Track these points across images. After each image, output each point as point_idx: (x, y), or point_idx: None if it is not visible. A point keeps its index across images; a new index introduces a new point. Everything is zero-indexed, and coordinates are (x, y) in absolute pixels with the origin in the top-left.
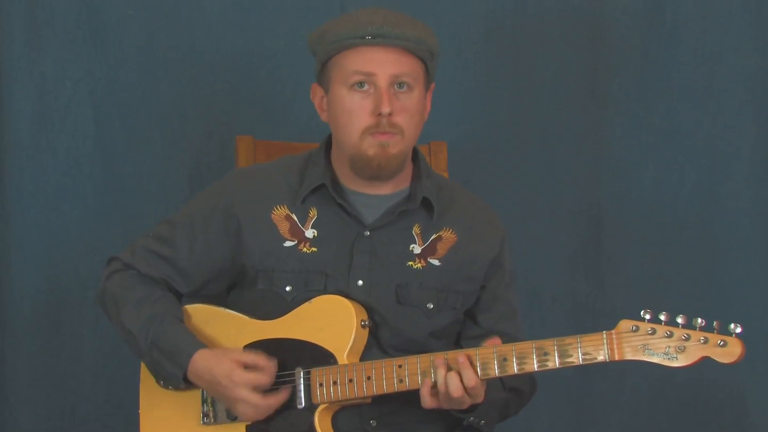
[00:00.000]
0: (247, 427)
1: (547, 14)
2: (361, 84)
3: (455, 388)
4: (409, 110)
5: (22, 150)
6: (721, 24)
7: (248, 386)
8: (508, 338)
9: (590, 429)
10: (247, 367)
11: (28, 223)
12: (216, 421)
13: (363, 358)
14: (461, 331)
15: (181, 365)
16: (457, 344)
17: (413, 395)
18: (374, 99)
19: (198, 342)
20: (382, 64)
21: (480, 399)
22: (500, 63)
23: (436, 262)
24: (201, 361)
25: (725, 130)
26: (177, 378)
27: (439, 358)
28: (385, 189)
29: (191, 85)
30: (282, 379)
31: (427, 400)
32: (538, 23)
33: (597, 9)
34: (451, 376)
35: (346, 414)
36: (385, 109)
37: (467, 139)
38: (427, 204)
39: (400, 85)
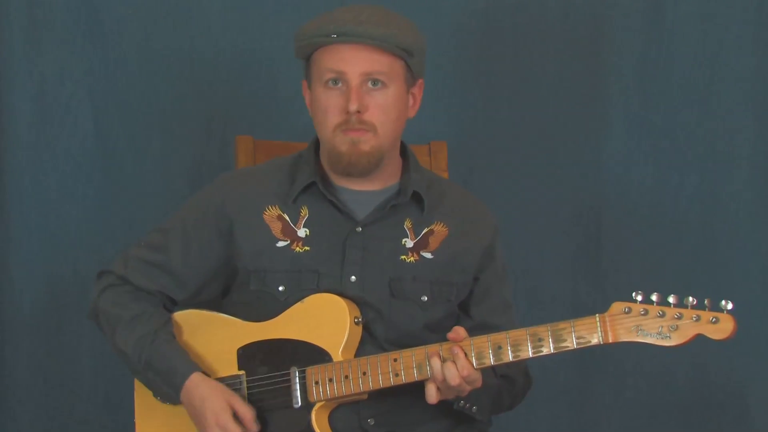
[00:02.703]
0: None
1: (547, 14)
2: (335, 81)
3: (452, 376)
4: (383, 107)
5: (22, 150)
6: (721, 24)
7: None
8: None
9: (590, 429)
10: (236, 415)
11: (28, 223)
12: None
13: (358, 354)
14: (455, 324)
15: (177, 387)
16: None
17: (411, 393)
18: (345, 96)
19: (192, 363)
20: (353, 62)
21: (479, 384)
22: (500, 63)
23: (428, 255)
24: (196, 387)
25: (725, 130)
26: (173, 399)
27: (433, 349)
28: (375, 185)
29: (191, 85)
30: (277, 379)
31: (432, 394)
32: (539, 23)
33: (597, 9)
34: (448, 366)
35: (343, 413)
36: (352, 107)
37: (467, 138)
38: (417, 198)
39: (375, 82)
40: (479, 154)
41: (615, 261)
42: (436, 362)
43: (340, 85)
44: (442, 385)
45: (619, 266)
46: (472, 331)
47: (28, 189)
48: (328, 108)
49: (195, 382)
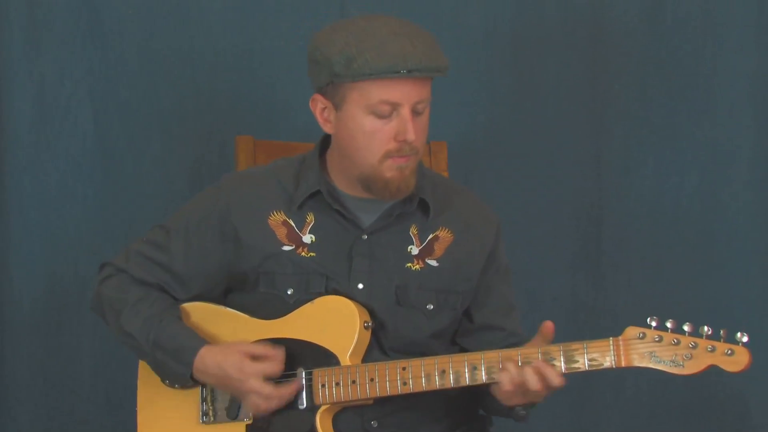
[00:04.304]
0: (248, 427)
1: (547, 15)
2: (385, 112)
3: (534, 382)
4: (423, 130)
5: (22, 150)
6: (721, 24)
7: (259, 377)
8: (505, 333)
9: (590, 429)
10: (254, 357)
11: (28, 223)
12: (215, 420)
13: (365, 360)
14: (457, 329)
15: (188, 363)
16: (453, 342)
17: (414, 395)
18: (397, 125)
19: (200, 338)
20: (408, 93)
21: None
22: (500, 63)
23: (434, 263)
24: (208, 357)
25: (725, 130)
26: (184, 377)
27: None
28: None
29: (191, 85)
30: (284, 380)
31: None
32: (539, 24)
33: (597, 9)
34: (529, 371)
35: (347, 414)
36: (411, 137)
37: (467, 139)
38: (422, 204)
39: (418, 109)
40: (479, 154)
41: (615, 261)
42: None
43: (387, 113)
44: (522, 390)
45: (618, 266)
46: (476, 333)
47: (28, 189)
48: (376, 135)
49: (206, 354)
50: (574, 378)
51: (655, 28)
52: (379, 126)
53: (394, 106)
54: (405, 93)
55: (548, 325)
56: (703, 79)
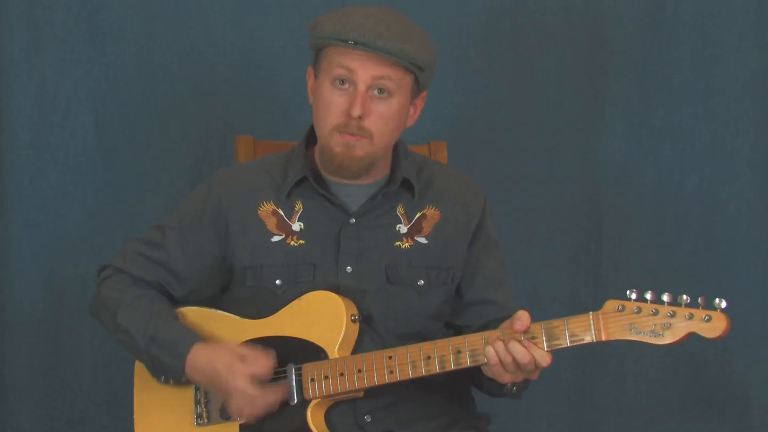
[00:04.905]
0: (241, 426)
1: (547, 13)
2: (342, 81)
3: (522, 355)
4: (384, 116)
5: (22, 150)
6: (721, 24)
7: (247, 378)
8: (496, 307)
9: (590, 429)
10: (244, 359)
11: (28, 223)
12: (210, 422)
13: (358, 348)
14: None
15: (181, 355)
16: (449, 325)
17: (408, 389)
18: (349, 99)
19: (195, 335)
20: (365, 66)
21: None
22: (500, 63)
23: (423, 240)
24: (200, 353)
25: (725, 130)
26: (176, 370)
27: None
28: (366, 179)
29: (191, 85)
30: (274, 376)
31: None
32: (538, 22)
33: (597, 8)
34: (514, 346)
35: (340, 409)
36: (355, 112)
37: (467, 138)
38: (408, 185)
39: (381, 90)
40: (479, 154)
41: (615, 261)
42: (499, 345)
43: (347, 85)
44: (512, 366)
45: (619, 266)
46: (468, 310)
47: (28, 189)
48: (331, 106)
49: (198, 350)
50: (574, 378)
51: (655, 28)
52: (335, 97)
53: (350, 75)
54: (361, 64)
55: (521, 323)
56: (703, 79)
